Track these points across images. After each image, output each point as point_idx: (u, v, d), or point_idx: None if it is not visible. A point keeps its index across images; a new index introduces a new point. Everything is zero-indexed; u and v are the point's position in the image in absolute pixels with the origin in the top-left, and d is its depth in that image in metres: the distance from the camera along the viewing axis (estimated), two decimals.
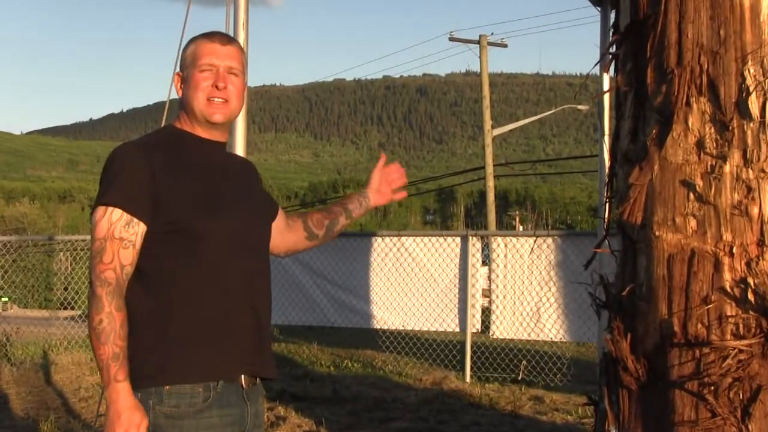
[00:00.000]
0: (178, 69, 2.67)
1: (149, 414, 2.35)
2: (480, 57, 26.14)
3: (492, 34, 27.06)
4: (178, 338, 2.41)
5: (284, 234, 2.88)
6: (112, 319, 2.33)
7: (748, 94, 2.95)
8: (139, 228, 2.41)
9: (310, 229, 2.95)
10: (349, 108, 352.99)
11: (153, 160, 2.45)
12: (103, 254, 2.37)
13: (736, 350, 2.92)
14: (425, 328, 9.87)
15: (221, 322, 2.47)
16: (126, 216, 2.40)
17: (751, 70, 2.96)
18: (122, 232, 2.39)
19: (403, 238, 9.96)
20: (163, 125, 2.96)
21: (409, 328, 9.94)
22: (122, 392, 2.31)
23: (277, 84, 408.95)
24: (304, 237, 2.94)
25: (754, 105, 2.95)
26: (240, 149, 4.01)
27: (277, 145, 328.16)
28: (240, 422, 2.50)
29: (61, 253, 17.25)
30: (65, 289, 13.31)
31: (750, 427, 2.89)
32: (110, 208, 2.40)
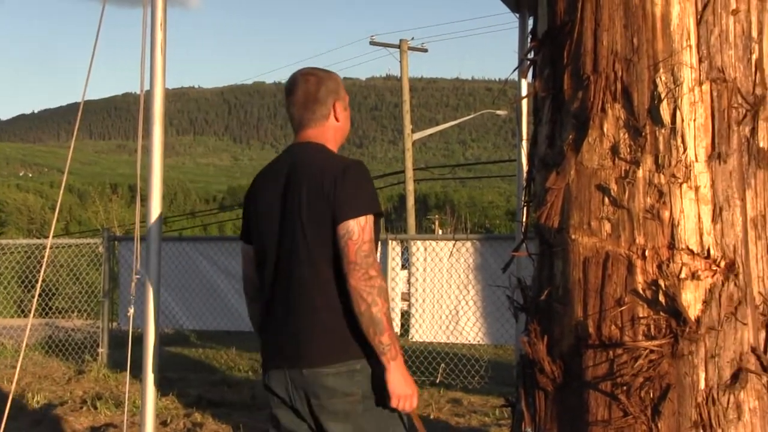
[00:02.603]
0: (336, 96, 3.18)
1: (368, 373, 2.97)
2: (400, 61, 26.28)
3: (413, 38, 27.18)
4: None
5: None
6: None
7: (660, 100, 3.02)
8: None
9: None
10: (268, 111, 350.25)
11: None
12: (375, 253, 2.91)
13: (647, 350, 2.98)
14: None
15: None
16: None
17: (663, 78, 3.04)
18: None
19: None
20: (70, 127, 2.98)
21: None
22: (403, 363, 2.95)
23: (196, 86, 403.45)
24: None
25: (665, 111, 3.02)
26: (157, 152, 3.90)
27: (195, 148, 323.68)
28: None
29: None
30: None
31: (659, 425, 2.96)
32: (371, 216, 2.94)
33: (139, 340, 3.73)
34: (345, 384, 2.94)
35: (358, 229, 2.87)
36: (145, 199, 3.90)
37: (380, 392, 2.94)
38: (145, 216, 3.92)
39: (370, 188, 2.98)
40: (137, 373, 3.67)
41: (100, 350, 10.28)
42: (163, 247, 3.69)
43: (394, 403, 2.91)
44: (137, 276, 4.49)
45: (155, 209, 3.71)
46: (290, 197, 3.02)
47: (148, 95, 3.91)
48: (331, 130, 3.16)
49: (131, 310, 4.87)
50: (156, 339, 3.67)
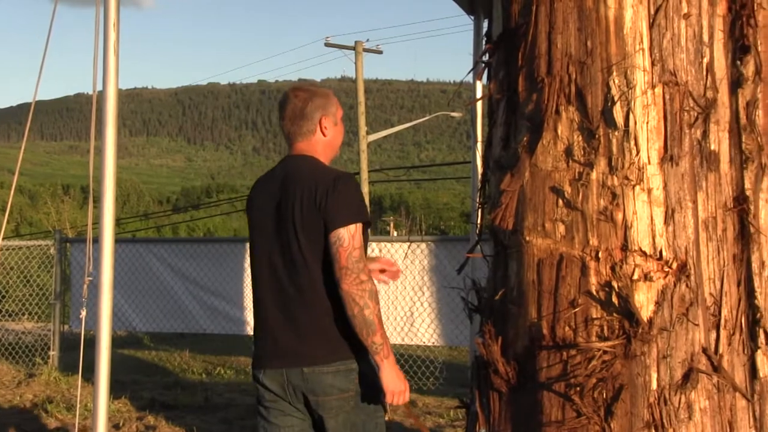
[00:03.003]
0: (323, 111, 3.33)
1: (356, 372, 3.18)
2: (355, 63, 26.27)
3: (368, 40, 27.24)
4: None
5: None
6: None
7: (613, 103, 3.05)
8: None
9: None
10: (223, 112, 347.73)
11: None
12: (365, 259, 3.11)
13: (600, 351, 3.01)
14: None
15: None
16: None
17: (616, 81, 3.07)
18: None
19: None
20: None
21: None
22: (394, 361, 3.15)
23: (149, 87, 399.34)
24: None
25: (618, 114, 3.05)
26: (110, 153, 3.84)
27: (149, 149, 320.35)
28: None
29: None
30: None
31: (612, 425, 2.99)
32: (360, 224, 3.12)
33: (91, 342, 3.68)
34: (342, 382, 3.16)
35: (348, 236, 3.08)
36: (97, 201, 3.84)
37: (366, 388, 3.18)
38: (97, 217, 3.87)
39: (359, 198, 3.18)
40: (89, 376, 3.61)
41: (51, 353, 10.12)
42: (116, 249, 3.64)
43: (389, 399, 3.14)
44: (89, 278, 4.43)
45: (108, 210, 3.66)
46: (284, 207, 3.21)
47: (101, 96, 3.86)
48: (319, 144, 3.33)
49: (83, 312, 4.80)
50: (109, 341, 3.62)
